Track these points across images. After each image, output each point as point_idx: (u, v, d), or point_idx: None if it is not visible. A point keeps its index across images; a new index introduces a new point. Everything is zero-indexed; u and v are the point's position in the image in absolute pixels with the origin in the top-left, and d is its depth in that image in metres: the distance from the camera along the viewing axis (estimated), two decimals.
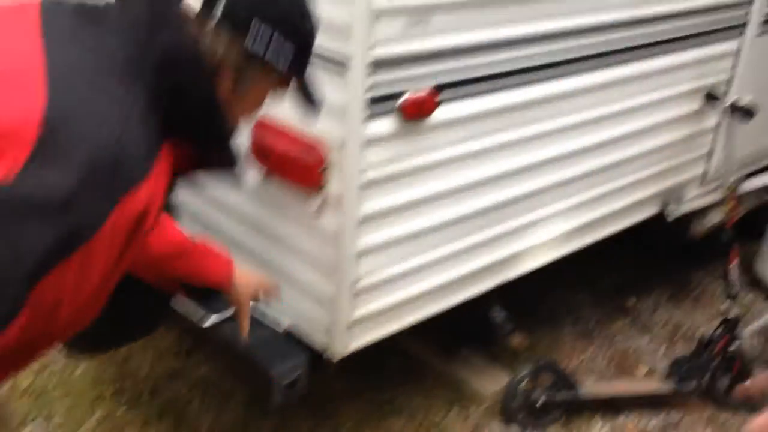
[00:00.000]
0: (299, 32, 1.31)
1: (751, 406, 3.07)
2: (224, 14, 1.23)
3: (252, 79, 1.30)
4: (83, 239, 1.04)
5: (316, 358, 2.24)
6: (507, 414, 2.88)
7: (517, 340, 2.98)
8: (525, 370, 2.88)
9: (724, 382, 3.08)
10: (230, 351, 2.22)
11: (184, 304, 2.30)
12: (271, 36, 1.26)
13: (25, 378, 2.87)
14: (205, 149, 1.31)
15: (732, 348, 3.01)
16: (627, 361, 3.36)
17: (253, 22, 1.24)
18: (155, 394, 2.87)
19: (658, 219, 3.24)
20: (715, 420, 3.04)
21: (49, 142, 0.99)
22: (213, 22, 1.23)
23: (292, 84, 1.39)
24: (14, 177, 0.97)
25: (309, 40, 1.35)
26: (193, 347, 3.10)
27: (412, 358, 3.15)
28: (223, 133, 1.30)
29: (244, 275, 1.83)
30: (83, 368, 2.96)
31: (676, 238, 3.53)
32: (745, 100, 3.04)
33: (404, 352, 3.17)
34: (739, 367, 3.04)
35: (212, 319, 2.27)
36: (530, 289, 3.60)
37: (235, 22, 1.24)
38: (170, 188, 1.30)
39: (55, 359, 3.00)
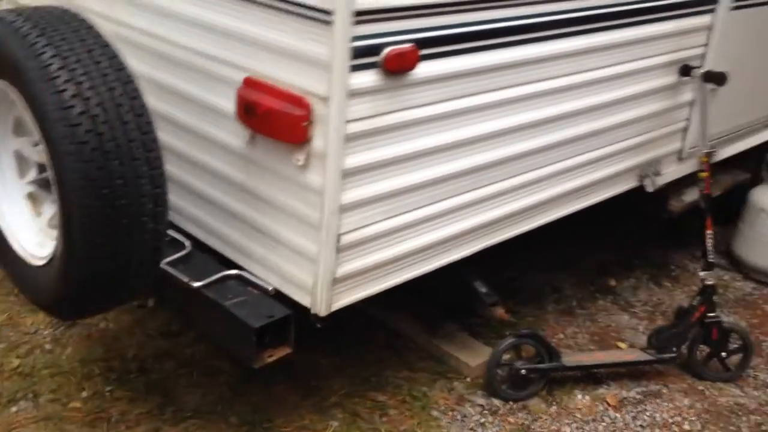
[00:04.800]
0: None
1: (728, 376, 3.15)
2: None
3: None
4: None
5: (301, 323, 2.28)
6: (490, 385, 2.92)
7: (500, 311, 3.03)
8: (508, 341, 2.92)
9: (702, 351, 3.14)
10: (216, 311, 2.25)
11: (174, 267, 2.34)
12: None
13: (12, 359, 2.88)
14: None
15: (710, 315, 3.07)
16: (608, 337, 3.42)
17: None
18: (143, 372, 2.89)
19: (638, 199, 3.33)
20: (694, 389, 3.10)
21: None
22: None
23: None
24: None
25: None
26: (181, 329, 3.13)
27: (396, 333, 3.19)
28: None
29: None
30: (71, 349, 2.98)
31: (656, 217, 3.61)
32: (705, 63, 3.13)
33: (388, 328, 3.21)
34: (717, 336, 3.11)
35: (202, 281, 2.30)
36: (514, 270, 3.69)
37: None
38: None
39: (42, 341, 3.01)
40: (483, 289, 2.97)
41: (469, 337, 3.16)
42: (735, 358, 3.17)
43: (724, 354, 3.13)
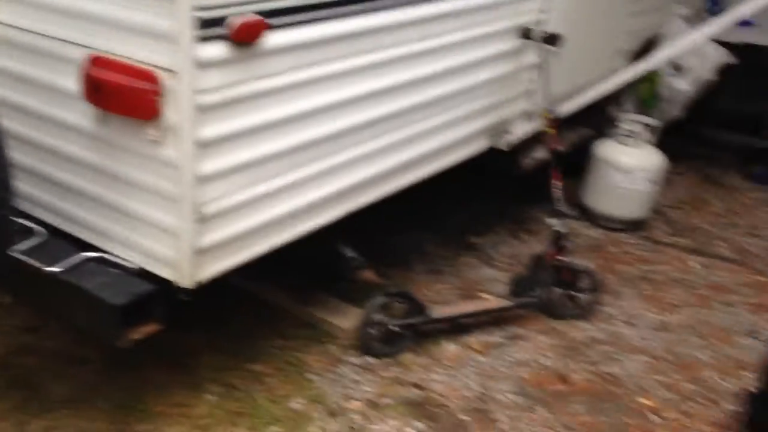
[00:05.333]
0: None
1: (580, 313, 3.42)
2: None
3: None
4: None
5: (170, 298, 2.26)
6: (363, 344, 3.02)
7: (368, 273, 3.13)
8: (377, 300, 3.03)
9: (557, 292, 3.38)
10: (79, 295, 2.20)
11: (31, 255, 2.27)
12: None
13: None
14: None
15: (561, 259, 3.32)
16: (472, 290, 3.60)
17: None
18: (7, 368, 2.78)
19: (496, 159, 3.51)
20: (551, 328, 3.34)
21: None
22: None
23: None
24: None
25: None
26: (42, 322, 3.02)
27: (268, 305, 3.23)
28: None
29: None
30: None
31: (510, 174, 3.82)
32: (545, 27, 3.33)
33: (260, 300, 3.24)
34: (569, 277, 3.36)
35: (61, 267, 2.24)
36: (381, 233, 3.80)
37: None
38: None
39: None
40: (350, 254, 3.07)
41: (340, 301, 3.24)
42: (586, 297, 3.43)
43: (575, 293, 3.39)
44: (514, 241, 4.09)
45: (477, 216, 4.22)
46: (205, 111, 2.07)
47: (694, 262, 4.02)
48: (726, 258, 4.02)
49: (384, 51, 2.60)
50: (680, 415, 2.88)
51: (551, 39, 3.25)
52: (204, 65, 2.01)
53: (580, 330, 3.35)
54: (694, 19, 4.46)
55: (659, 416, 2.89)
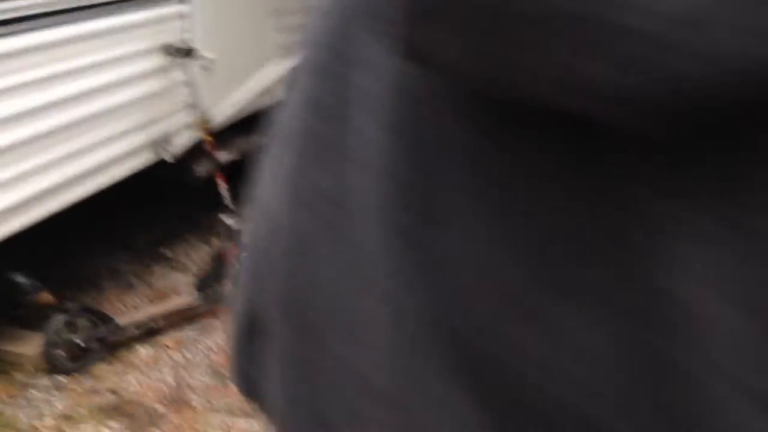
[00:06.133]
0: None
1: None
2: None
3: None
4: None
5: None
6: (52, 365, 3.06)
7: (44, 296, 3.16)
8: (57, 318, 3.09)
9: None
10: None
11: None
12: None
13: None
14: None
15: (239, 254, 3.63)
16: (166, 297, 3.77)
17: None
18: None
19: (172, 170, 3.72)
20: None
21: None
22: None
23: None
24: None
25: None
26: None
27: None
28: None
29: None
30: None
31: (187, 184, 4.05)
32: (189, 44, 3.63)
33: None
34: None
35: None
36: (70, 256, 3.83)
37: None
38: None
39: None
40: (21, 280, 3.08)
41: (20, 329, 3.23)
42: None
43: None
44: (204, 245, 4.31)
45: (168, 228, 4.39)
46: None
47: None
48: None
49: (10, 76, 2.70)
50: None
51: (188, 53, 3.56)
52: None
53: None
54: None
55: None
